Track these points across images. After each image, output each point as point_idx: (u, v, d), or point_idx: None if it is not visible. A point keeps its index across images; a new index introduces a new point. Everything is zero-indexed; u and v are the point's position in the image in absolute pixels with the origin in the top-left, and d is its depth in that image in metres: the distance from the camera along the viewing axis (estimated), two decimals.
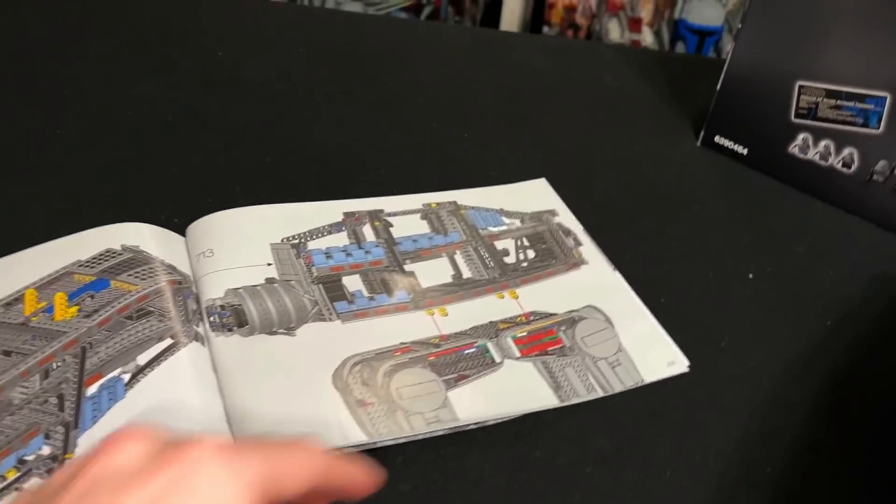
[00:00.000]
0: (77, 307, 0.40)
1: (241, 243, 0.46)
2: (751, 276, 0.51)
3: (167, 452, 0.23)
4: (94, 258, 0.43)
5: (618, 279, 0.49)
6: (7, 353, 0.38)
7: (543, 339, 0.44)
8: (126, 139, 0.57)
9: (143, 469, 0.23)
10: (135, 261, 0.43)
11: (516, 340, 0.43)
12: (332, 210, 0.50)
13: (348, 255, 0.47)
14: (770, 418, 0.42)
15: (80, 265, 0.43)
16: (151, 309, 0.40)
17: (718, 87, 0.60)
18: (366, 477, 0.29)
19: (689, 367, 0.44)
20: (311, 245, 0.47)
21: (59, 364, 0.38)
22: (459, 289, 0.46)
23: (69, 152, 0.55)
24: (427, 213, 0.52)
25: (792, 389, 0.44)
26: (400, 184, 0.55)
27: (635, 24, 1.81)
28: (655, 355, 0.44)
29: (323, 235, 0.48)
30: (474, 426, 0.39)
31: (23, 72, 0.63)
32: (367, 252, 0.47)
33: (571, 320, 0.45)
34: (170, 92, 0.62)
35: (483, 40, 0.77)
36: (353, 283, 0.45)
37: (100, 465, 0.23)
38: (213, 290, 0.43)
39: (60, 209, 0.50)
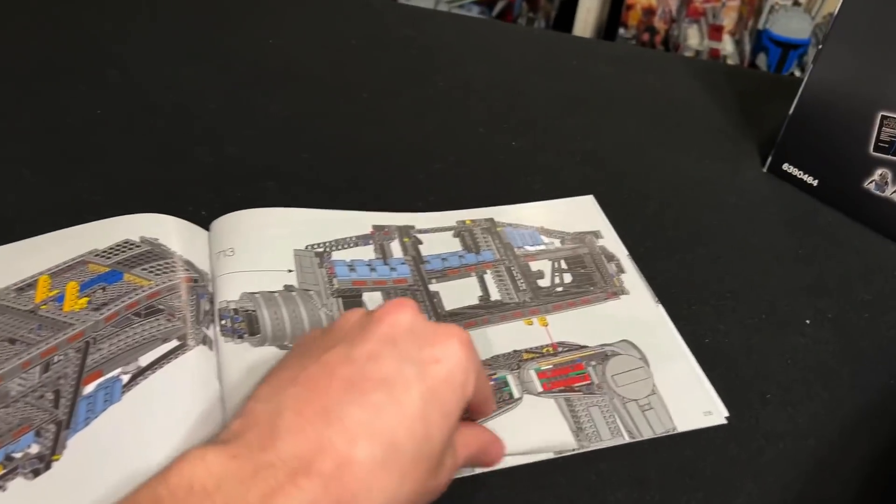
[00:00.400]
0: (87, 298, 0.39)
1: (264, 245, 0.44)
2: (808, 321, 0.47)
3: (436, 328, 0.31)
4: (111, 248, 0.42)
5: (660, 313, 0.45)
6: (12, 342, 0.37)
7: (570, 374, 0.41)
8: (164, 123, 0.56)
9: (424, 333, 0.31)
10: (152, 254, 0.42)
11: (540, 374, 0.40)
12: (362, 221, 0.48)
13: (372, 269, 0.45)
14: (815, 486, 0.38)
15: (97, 255, 0.42)
16: (161, 307, 0.39)
17: (791, 110, 0.55)
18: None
19: (728, 418, 0.40)
20: (336, 255, 0.45)
21: (61, 358, 0.36)
22: (485, 312, 0.43)
23: (106, 133, 0.54)
24: (460, 230, 0.49)
25: (844, 454, 0.40)
26: (438, 191, 0.52)
27: (716, 32, 1.73)
28: (692, 402, 0.40)
29: (349, 247, 0.46)
30: (485, 468, 0.36)
31: (68, 47, 0.63)
32: (392, 269, 0.45)
33: (603, 355, 0.42)
34: (215, 78, 0.61)
35: (546, 43, 0.73)
36: (373, 300, 0.43)
37: (391, 319, 0.31)
38: (229, 291, 0.41)
39: (88, 193, 0.49)
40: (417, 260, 0.46)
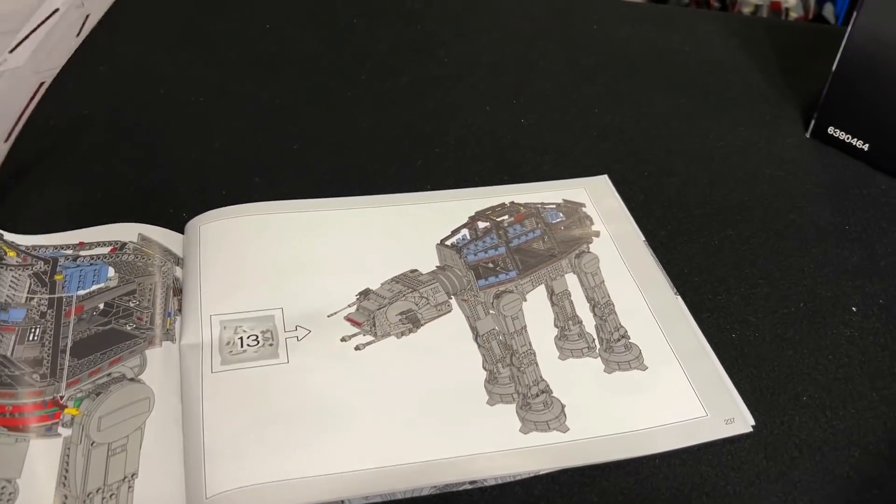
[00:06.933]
0: None
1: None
2: (854, 308, 0.41)
3: None
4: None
5: (679, 306, 0.40)
6: None
7: None
8: (152, 114, 0.53)
9: None
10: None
11: None
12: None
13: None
14: None
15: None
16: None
17: (835, 66, 0.49)
18: None
19: (755, 426, 0.35)
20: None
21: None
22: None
23: (92, 133, 0.52)
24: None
25: (893, 468, 0.34)
26: (437, 177, 0.48)
27: None
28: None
29: None
30: (468, 485, 0.33)
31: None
32: None
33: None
34: (204, 67, 0.58)
35: (563, 6, 0.68)
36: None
37: None
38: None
39: (82, 195, 0.46)
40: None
